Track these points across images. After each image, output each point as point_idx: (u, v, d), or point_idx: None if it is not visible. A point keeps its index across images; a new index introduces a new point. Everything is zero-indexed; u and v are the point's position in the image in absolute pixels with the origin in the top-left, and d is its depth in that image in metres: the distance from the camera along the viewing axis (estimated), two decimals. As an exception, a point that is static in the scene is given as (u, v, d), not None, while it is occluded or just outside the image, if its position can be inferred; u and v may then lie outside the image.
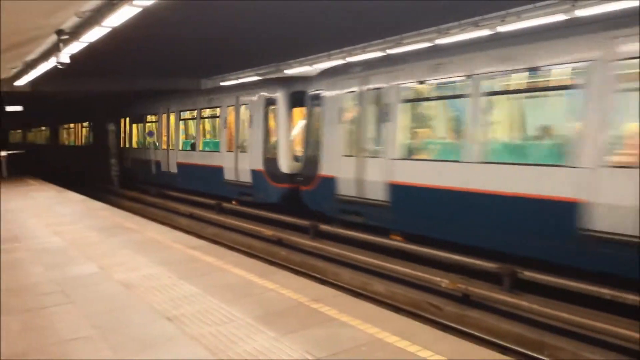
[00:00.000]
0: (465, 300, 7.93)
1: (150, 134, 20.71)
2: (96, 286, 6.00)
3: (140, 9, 7.45)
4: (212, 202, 16.22)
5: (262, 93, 14.01)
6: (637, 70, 6.27)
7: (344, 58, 15.37)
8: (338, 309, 4.95)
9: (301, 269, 10.19)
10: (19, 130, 62.31)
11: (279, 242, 11.95)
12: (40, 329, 4.75)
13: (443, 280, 8.17)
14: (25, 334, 4.66)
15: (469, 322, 7.36)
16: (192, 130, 18.26)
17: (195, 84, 23.13)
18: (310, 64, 16.84)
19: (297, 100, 13.11)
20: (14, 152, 32.55)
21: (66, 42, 9.83)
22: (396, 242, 9.84)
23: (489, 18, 11.10)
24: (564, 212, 6.98)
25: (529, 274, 7.47)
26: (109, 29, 8.66)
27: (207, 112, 17.02)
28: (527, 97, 8.70)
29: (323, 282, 8.90)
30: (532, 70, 7.68)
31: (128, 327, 4.70)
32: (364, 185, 10.29)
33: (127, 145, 23.25)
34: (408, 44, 13.66)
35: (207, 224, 15.07)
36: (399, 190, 9.59)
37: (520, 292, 7.49)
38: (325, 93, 11.62)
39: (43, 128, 52.10)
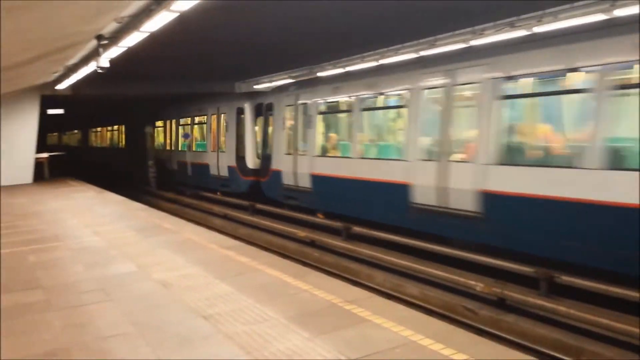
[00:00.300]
0: (500, 304, 7.81)
1: (187, 135, 21.19)
2: (135, 285, 6.15)
3: (177, 14, 7.60)
4: (245, 203, 16.41)
5: (235, 104, 17.86)
6: (435, 97, 9.97)
7: (376, 60, 15.32)
8: (371, 310, 4.95)
9: (334, 271, 10.22)
10: (55, 133, 64.33)
11: (312, 244, 12.01)
12: (81, 326, 4.91)
13: (478, 284, 8.07)
14: (66, 330, 4.82)
15: (504, 327, 7.25)
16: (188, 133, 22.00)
17: (229, 87, 23.43)
18: (343, 67, 16.84)
19: (259, 110, 16.65)
20: (56, 153, 33.52)
21: (106, 47, 10.11)
22: (430, 245, 9.77)
23: (525, 18, 10.91)
24: (402, 191, 10.06)
25: (566, 279, 7.32)
26: (147, 34, 8.86)
27: (197, 119, 20.93)
28: (383, 113, 12.36)
29: (356, 283, 8.90)
30: (383, 94, 11.55)
31: (165, 325, 4.80)
32: (297, 176, 13.56)
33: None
34: (442, 45, 13.53)
35: (241, 225, 15.26)
36: (317, 180, 12.83)
37: (558, 296, 7.34)
38: (275, 105, 15.33)
39: (75, 131, 53.91)
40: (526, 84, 8.89)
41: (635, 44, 6.85)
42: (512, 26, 11.74)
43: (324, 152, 13.02)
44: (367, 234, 11.39)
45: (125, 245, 8.30)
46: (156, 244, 8.34)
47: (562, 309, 6.97)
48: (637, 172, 6.48)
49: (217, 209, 17.31)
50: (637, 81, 6.85)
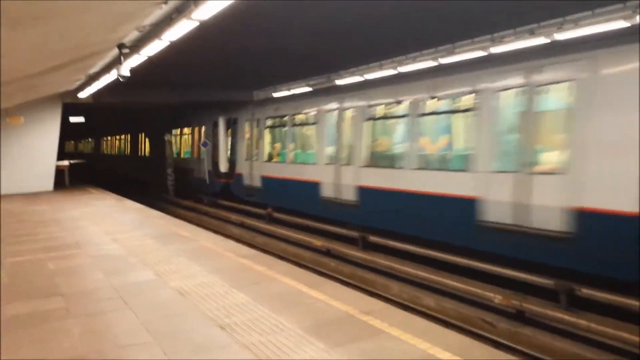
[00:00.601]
0: (519, 316, 7.71)
1: (205, 144, 21.38)
2: (153, 293, 6.18)
3: (197, 23, 7.68)
4: (262, 211, 16.45)
5: (212, 117, 20.91)
6: (332, 116, 13.64)
7: (395, 68, 15.31)
8: (388, 322, 4.91)
9: (350, 281, 10.18)
10: (72, 141, 65.47)
11: (328, 253, 11.99)
12: (100, 333, 4.94)
13: (496, 296, 7.98)
14: (85, 337, 4.86)
15: (523, 340, 7.15)
16: (181, 142, 25.46)
17: (247, 95, 23.58)
18: (362, 75, 16.86)
19: (229, 123, 19.98)
20: (76, 161, 34.01)
21: (127, 56, 10.26)
22: (447, 256, 9.68)
23: (545, 25, 10.83)
24: (316, 187, 13.28)
25: (586, 292, 7.20)
26: (167, 43, 8.96)
27: (186, 130, 24.36)
28: (305, 128, 15.41)
29: (372, 294, 8.86)
30: (302, 113, 15.24)
31: (182, 334, 4.82)
32: (253, 177, 17.01)
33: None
34: (461, 52, 13.48)
35: (257, 233, 15.30)
36: (266, 180, 16.19)
37: (578, 309, 7.22)
38: (238, 120, 19.07)
39: (90, 139, 54.88)
40: (379, 111, 12.28)
41: (429, 86, 10.82)
42: (532, 33, 11.68)
43: (270, 158, 16.66)
44: (383, 243, 11.34)
45: (144, 253, 8.36)
46: (174, 252, 8.39)
47: (582, 322, 6.86)
48: (435, 171, 10.06)
49: (234, 217, 17.39)
50: (431, 110, 10.67)
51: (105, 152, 44.37)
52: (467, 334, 7.26)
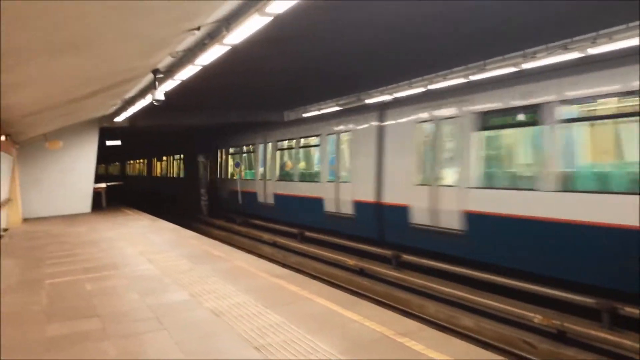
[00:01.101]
0: (560, 337, 7.46)
1: (237, 164, 21.64)
2: (187, 313, 6.23)
3: (229, 47, 7.82)
4: (294, 230, 16.47)
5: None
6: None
7: (425, 86, 15.28)
8: (425, 344, 4.81)
9: (385, 300, 10.05)
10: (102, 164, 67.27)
11: (362, 272, 11.88)
12: (135, 355, 4.99)
13: (536, 316, 7.75)
14: (123, 358, 4.91)
15: (565, 362, 6.91)
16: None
17: (278, 116, 23.83)
18: (391, 93, 16.87)
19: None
20: (113, 183, 34.83)
21: (161, 81, 10.51)
22: (483, 275, 9.48)
23: (578, 40, 10.67)
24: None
25: (630, 310, 6.94)
26: (200, 67, 9.16)
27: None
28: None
29: (407, 314, 8.72)
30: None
31: (218, 355, 4.82)
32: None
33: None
34: (491, 69, 13.37)
35: (290, 253, 15.28)
36: (243, 194, 20.47)
37: (621, 329, 6.95)
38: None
39: (116, 163, 56.42)
40: (289, 143, 17.11)
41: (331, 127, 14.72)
42: (565, 48, 11.50)
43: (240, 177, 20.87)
44: (417, 262, 11.21)
45: (178, 273, 8.45)
46: (208, 272, 8.45)
47: (626, 342, 6.59)
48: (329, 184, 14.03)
49: (266, 236, 17.44)
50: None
51: (140, 173, 45.34)
52: (508, 355, 7.08)
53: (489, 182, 9.44)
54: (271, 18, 6.28)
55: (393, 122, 12.08)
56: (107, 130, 20.41)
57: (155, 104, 10.69)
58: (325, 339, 5.08)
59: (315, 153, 15.74)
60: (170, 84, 10.63)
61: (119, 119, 18.17)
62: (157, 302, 6.77)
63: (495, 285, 9.15)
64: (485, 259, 9.46)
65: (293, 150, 16.90)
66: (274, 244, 16.57)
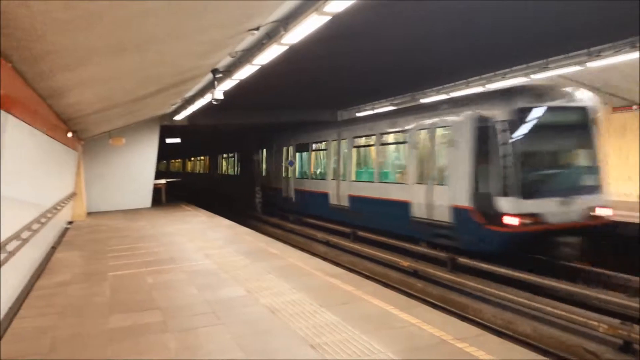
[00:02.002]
0: (626, 348, 7.10)
1: (291, 163, 21.80)
2: (244, 309, 6.32)
3: (286, 47, 7.87)
4: (347, 230, 16.45)
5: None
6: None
7: (483, 85, 14.92)
8: (485, 350, 4.68)
9: (439, 303, 9.88)
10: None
11: (415, 274, 11.72)
12: (194, 348, 5.10)
13: (601, 325, 7.41)
14: (181, 352, 5.03)
15: (632, 374, 6.57)
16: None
17: (332, 116, 23.86)
18: (447, 92, 16.57)
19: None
20: (173, 180, 35.90)
21: (220, 80, 10.72)
22: (543, 280, 9.18)
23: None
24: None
25: None
26: (258, 67, 9.27)
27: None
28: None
29: (462, 318, 8.53)
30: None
31: (274, 352, 4.86)
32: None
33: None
34: (554, 68, 12.91)
35: (343, 252, 15.27)
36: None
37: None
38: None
39: (178, 160, 58.04)
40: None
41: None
42: (633, 46, 10.96)
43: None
44: (472, 265, 10.97)
45: (235, 269, 8.59)
46: (263, 269, 8.55)
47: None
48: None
49: (319, 235, 17.49)
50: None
51: (199, 171, 46.49)
52: (569, 365, 6.81)
53: (358, 178, 16.02)
54: (329, 17, 6.28)
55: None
56: (167, 128, 21.04)
57: (215, 103, 10.92)
58: (382, 340, 5.03)
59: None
60: (228, 84, 10.82)
61: (178, 117, 18.68)
62: (215, 297, 6.90)
63: (553, 290, 8.83)
64: (358, 224, 15.50)
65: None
66: (327, 243, 16.59)
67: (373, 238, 16.06)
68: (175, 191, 31.47)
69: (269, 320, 5.86)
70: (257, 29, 7.30)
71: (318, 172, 19.45)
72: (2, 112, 5.30)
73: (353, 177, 16.18)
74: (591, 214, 10.23)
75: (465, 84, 15.68)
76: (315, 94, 18.84)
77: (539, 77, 13.46)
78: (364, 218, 15.40)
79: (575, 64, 12.31)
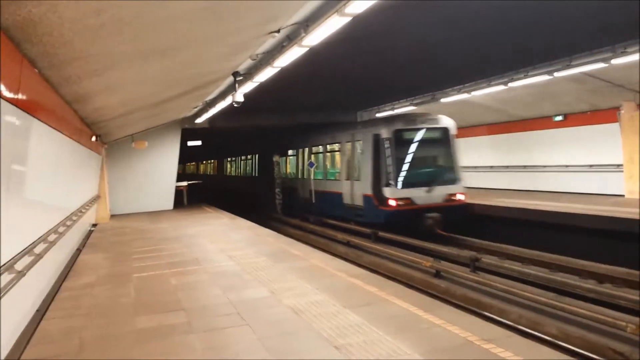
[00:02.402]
0: (657, 350, 6.96)
1: (311, 165, 21.85)
2: (268, 310, 6.35)
3: (306, 49, 7.90)
4: (367, 230, 16.40)
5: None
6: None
7: (505, 84, 14.76)
8: (512, 351, 4.62)
9: (462, 304, 9.79)
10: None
11: (438, 274, 11.63)
12: (221, 350, 5.13)
13: (629, 325, 7.26)
14: (207, 353, 5.07)
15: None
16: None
17: (351, 116, 23.83)
18: (469, 92, 16.42)
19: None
20: (193, 182, 36.27)
21: (241, 83, 10.80)
22: (567, 280, 9.07)
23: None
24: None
25: None
26: (278, 69, 9.31)
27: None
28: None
29: (486, 318, 8.43)
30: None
31: (299, 353, 4.87)
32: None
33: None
34: (577, 65, 12.71)
35: (364, 252, 15.23)
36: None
37: None
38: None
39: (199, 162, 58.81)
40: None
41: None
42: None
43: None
44: (496, 264, 10.86)
45: (258, 270, 8.64)
46: (285, 270, 8.58)
47: None
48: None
49: (340, 235, 17.47)
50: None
51: (219, 173, 46.83)
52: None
53: (315, 177, 20.20)
54: (350, 18, 6.28)
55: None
56: (188, 131, 21.25)
57: (235, 105, 10.99)
58: (407, 341, 5.01)
59: None
60: (249, 86, 10.89)
61: (199, 120, 18.86)
62: (239, 298, 6.95)
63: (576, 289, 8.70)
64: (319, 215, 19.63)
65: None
66: (348, 244, 16.56)
67: (394, 239, 16.01)
68: (197, 193, 31.73)
69: (293, 321, 5.88)
70: (278, 31, 7.34)
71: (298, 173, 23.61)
72: (29, 116, 5.41)
73: (312, 176, 20.59)
74: (449, 197, 15.30)
75: (486, 83, 15.52)
76: (335, 95, 18.86)
77: (562, 75, 13.26)
78: (319, 207, 20.03)
79: (600, 60, 12.10)
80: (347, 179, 17.38)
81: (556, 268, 11.41)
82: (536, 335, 8.02)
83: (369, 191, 15.80)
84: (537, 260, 12.16)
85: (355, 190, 16.79)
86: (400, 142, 15.31)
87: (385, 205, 15.09)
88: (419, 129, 15.66)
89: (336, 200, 18.16)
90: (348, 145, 17.44)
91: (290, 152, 24.37)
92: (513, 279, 10.62)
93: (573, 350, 7.42)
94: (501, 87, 15.06)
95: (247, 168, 33.81)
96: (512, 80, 14.48)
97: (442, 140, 15.86)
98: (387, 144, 15.17)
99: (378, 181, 15.37)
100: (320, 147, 20.30)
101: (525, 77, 14.02)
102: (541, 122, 18.43)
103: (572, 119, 17.21)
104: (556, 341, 7.77)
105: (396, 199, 14.91)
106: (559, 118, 17.55)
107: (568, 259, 11.66)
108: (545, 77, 13.55)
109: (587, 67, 12.58)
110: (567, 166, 17.61)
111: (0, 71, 3.98)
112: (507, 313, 9.04)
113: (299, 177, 22.54)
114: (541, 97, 16.55)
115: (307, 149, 21.54)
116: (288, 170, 24.64)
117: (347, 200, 17.38)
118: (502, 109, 18.65)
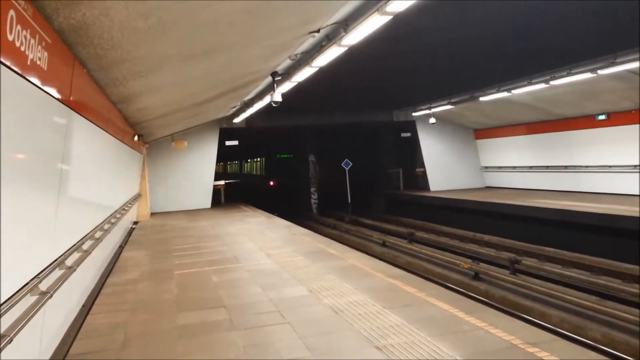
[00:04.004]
0: None
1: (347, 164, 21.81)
2: (308, 308, 6.38)
3: (345, 48, 7.90)
4: (404, 230, 16.34)
5: None
6: None
7: (547, 82, 14.44)
8: (558, 355, 4.52)
9: (501, 306, 9.65)
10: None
11: (476, 276, 11.49)
12: (263, 346, 5.19)
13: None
14: (250, 349, 5.13)
15: None
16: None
17: (388, 115, 23.71)
18: (509, 91, 16.13)
19: None
20: (231, 181, 36.82)
21: (279, 83, 10.87)
22: (610, 283, 8.84)
23: None
24: None
25: None
26: (316, 69, 9.34)
27: None
28: None
29: (527, 321, 8.29)
30: None
31: (340, 353, 4.89)
32: None
33: None
34: (622, 62, 12.33)
35: (400, 253, 15.17)
36: None
37: None
38: None
39: (236, 162, 59.82)
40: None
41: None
42: None
43: None
44: (536, 266, 10.65)
45: (296, 269, 8.70)
46: (323, 269, 8.61)
47: None
48: None
49: (376, 235, 17.44)
50: None
51: (255, 172, 47.39)
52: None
53: None
54: (391, 17, 6.25)
55: None
56: (226, 130, 21.54)
57: (274, 105, 11.07)
58: (449, 343, 4.97)
59: None
60: (287, 86, 10.96)
61: (237, 120, 19.08)
62: (279, 296, 7.01)
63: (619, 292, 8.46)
64: None
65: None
66: (384, 244, 16.53)
67: (430, 239, 15.90)
68: (234, 192, 32.15)
69: (333, 320, 5.90)
70: (318, 31, 7.37)
71: None
72: (80, 116, 5.59)
73: None
74: None
75: (527, 81, 15.21)
76: (371, 95, 18.79)
77: (606, 73, 12.90)
78: None
79: (645, 58, 11.71)
80: None
81: (598, 271, 11.13)
82: (579, 339, 7.85)
83: None
84: (578, 263, 11.89)
85: None
86: None
87: None
88: None
89: None
90: None
91: None
92: (553, 281, 10.42)
93: (618, 356, 7.24)
94: (542, 86, 14.74)
95: (283, 167, 34.07)
96: (554, 78, 14.15)
97: None
98: None
99: None
100: None
101: (568, 74, 13.68)
102: (583, 121, 17.97)
103: (615, 117, 16.72)
104: (600, 346, 7.59)
105: None
106: (602, 117, 17.07)
107: (610, 261, 11.35)
108: (589, 75, 13.19)
109: (632, 65, 12.19)
110: (610, 166, 17.12)
111: (54, 73, 4.13)
112: (549, 316, 8.88)
113: None
114: (583, 96, 16.12)
115: None
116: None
117: None
118: (542, 107, 18.25)
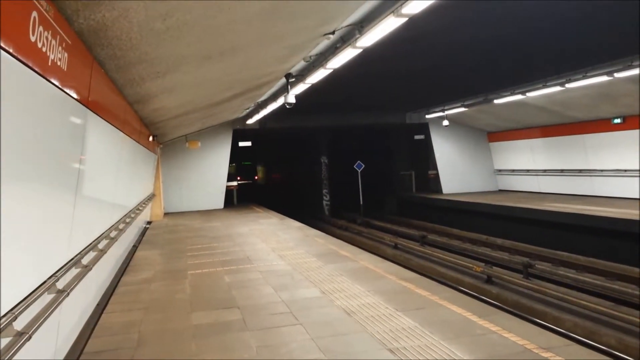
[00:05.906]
0: None
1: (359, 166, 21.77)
2: (320, 310, 6.40)
3: (360, 50, 7.90)
4: (415, 233, 16.27)
5: None
6: None
7: (562, 85, 14.33)
8: (572, 360, 4.50)
9: (514, 310, 9.58)
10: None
11: (489, 280, 11.41)
12: (276, 347, 5.21)
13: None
14: (263, 350, 5.15)
15: None
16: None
17: (400, 118, 23.66)
18: (523, 93, 16.03)
19: None
20: (243, 182, 36.91)
21: (293, 84, 10.91)
22: (624, 288, 8.75)
23: None
24: None
25: None
26: (330, 70, 9.35)
27: None
28: None
29: (541, 326, 8.22)
30: None
31: (353, 355, 4.89)
32: None
33: None
34: (634, 66, 12.20)
35: (412, 255, 15.11)
36: None
37: None
38: None
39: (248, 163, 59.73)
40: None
41: None
42: None
43: None
44: (550, 270, 10.54)
45: (308, 270, 8.71)
46: (336, 271, 8.62)
47: None
48: None
49: (387, 238, 17.40)
50: None
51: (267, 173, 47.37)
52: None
53: None
54: (406, 19, 6.25)
55: None
56: (239, 131, 21.63)
57: (288, 107, 11.10)
58: (462, 347, 4.95)
59: None
60: (301, 87, 10.99)
61: (250, 121, 19.15)
62: (291, 297, 7.03)
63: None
64: None
65: None
66: (395, 246, 16.48)
67: (442, 242, 15.83)
68: (247, 193, 32.24)
69: (345, 322, 5.90)
70: (333, 32, 7.38)
71: None
72: (97, 116, 5.65)
73: None
74: None
75: (542, 84, 15.10)
76: (385, 96, 18.77)
77: (623, 76, 12.77)
78: None
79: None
80: None
81: (613, 276, 11.01)
82: (593, 345, 7.77)
83: None
84: (591, 268, 11.77)
85: None
86: None
87: None
88: None
89: None
90: None
91: None
92: (567, 286, 10.33)
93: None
94: (557, 88, 14.63)
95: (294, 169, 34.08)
96: (570, 81, 14.03)
97: None
98: None
99: None
100: None
101: (584, 77, 13.56)
102: (598, 124, 17.80)
103: (631, 121, 16.54)
104: (614, 352, 7.51)
105: None
106: (618, 120, 16.89)
107: (625, 266, 11.25)
108: (605, 78, 13.07)
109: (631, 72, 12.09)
110: (625, 170, 16.94)
111: (73, 74, 4.18)
112: (562, 321, 8.79)
113: None
114: (599, 99, 15.98)
115: None
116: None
117: None
118: (557, 110, 18.11)
